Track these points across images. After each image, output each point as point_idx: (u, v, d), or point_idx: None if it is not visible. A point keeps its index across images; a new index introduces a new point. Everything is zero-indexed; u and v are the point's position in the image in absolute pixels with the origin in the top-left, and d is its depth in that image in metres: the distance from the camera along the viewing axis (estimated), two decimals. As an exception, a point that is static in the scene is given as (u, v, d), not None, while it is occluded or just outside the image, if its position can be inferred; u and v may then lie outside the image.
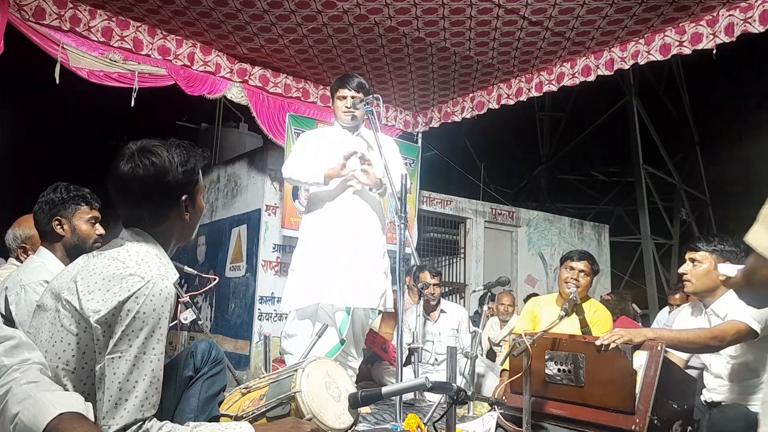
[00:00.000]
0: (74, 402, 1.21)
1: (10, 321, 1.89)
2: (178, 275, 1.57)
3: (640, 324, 5.55)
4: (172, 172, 1.47)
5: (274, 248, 6.10)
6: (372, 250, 3.27)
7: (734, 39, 4.07)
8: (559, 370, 2.56)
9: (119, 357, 1.30)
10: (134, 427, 1.29)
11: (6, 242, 3.20)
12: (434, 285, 4.34)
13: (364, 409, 2.97)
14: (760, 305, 1.48)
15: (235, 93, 5.21)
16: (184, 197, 1.51)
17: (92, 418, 1.23)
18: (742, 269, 1.43)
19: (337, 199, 3.25)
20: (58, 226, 2.29)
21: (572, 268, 3.36)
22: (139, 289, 1.32)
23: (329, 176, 3.15)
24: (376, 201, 3.39)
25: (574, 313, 2.85)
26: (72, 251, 2.25)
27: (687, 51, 4.35)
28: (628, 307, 4.68)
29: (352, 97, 3.28)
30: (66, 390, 1.32)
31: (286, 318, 3.36)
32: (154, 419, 1.34)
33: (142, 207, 1.49)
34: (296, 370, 1.77)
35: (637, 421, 2.28)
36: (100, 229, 2.36)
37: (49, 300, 1.43)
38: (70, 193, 2.32)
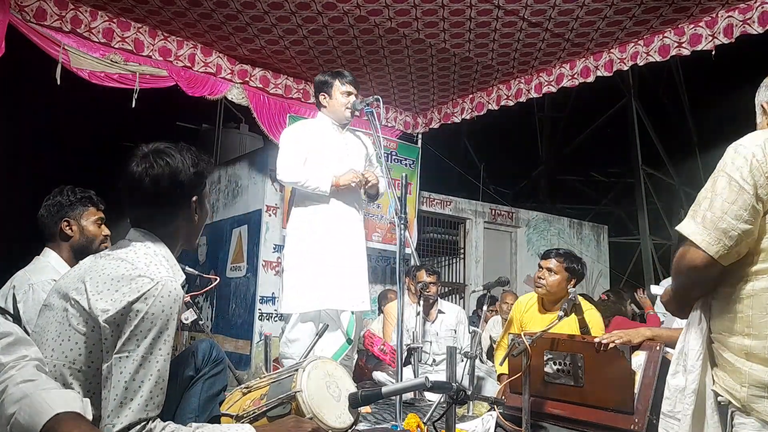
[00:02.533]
0: (71, 401, 1.21)
1: (17, 320, 1.90)
2: (184, 277, 1.59)
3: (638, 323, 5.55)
4: (185, 173, 1.51)
5: (274, 248, 6.11)
6: (362, 249, 3.29)
7: (733, 40, 4.08)
8: (558, 369, 2.57)
9: (126, 356, 1.31)
10: (138, 427, 1.30)
11: None
12: (431, 283, 4.34)
13: (365, 409, 2.98)
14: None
15: (236, 94, 5.21)
16: (194, 198, 1.55)
17: (90, 416, 1.23)
18: (668, 286, 1.60)
19: (331, 197, 3.22)
20: (67, 227, 2.34)
21: (540, 267, 3.33)
22: (149, 290, 1.34)
23: (337, 185, 3.12)
24: (360, 198, 3.38)
25: (573, 314, 2.85)
26: (79, 252, 2.31)
27: (686, 52, 4.36)
28: (624, 306, 4.62)
29: (355, 95, 3.29)
30: (69, 388, 1.33)
31: (285, 318, 3.33)
32: (158, 419, 1.35)
33: (153, 206, 1.52)
34: (297, 370, 1.78)
35: (636, 420, 2.29)
36: (105, 230, 2.42)
37: (55, 299, 1.43)
38: (77, 195, 2.38)
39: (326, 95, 3.32)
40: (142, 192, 1.50)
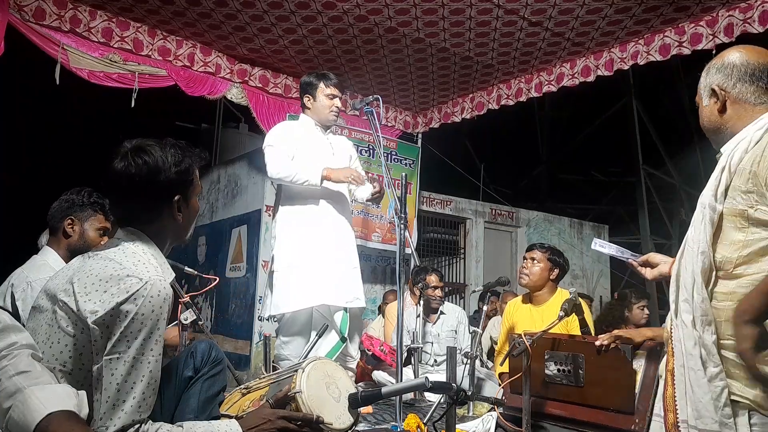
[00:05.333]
0: (65, 397, 1.19)
1: (16, 317, 1.89)
2: (174, 274, 1.57)
3: None
4: (165, 172, 1.47)
5: (274, 249, 6.10)
6: (352, 246, 3.27)
7: (734, 39, 4.07)
8: (558, 370, 2.56)
9: (117, 358, 1.30)
10: (131, 430, 1.29)
11: (39, 244, 3.21)
12: (439, 288, 4.34)
13: (366, 409, 2.97)
14: None
15: (235, 93, 5.21)
16: (176, 197, 1.51)
17: (86, 410, 1.22)
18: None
19: (318, 196, 3.19)
20: (70, 226, 2.35)
21: (524, 258, 3.52)
22: (138, 290, 1.32)
23: (327, 177, 3.08)
24: (346, 199, 3.35)
25: (573, 314, 2.85)
26: (74, 254, 2.30)
27: (687, 51, 4.35)
28: (630, 310, 4.35)
29: (340, 99, 3.26)
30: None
31: (279, 319, 3.29)
32: (150, 421, 1.34)
33: (134, 205, 1.50)
34: (296, 371, 1.77)
35: (637, 421, 2.28)
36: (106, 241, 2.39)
37: (45, 301, 1.42)
38: (90, 199, 2.38)
39: (310, 97, 3.26)
40: (122, 191, 1.48)
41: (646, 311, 4.26)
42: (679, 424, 1.51)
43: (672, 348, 1.55)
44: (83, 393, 1.25)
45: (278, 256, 3.17)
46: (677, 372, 1.52)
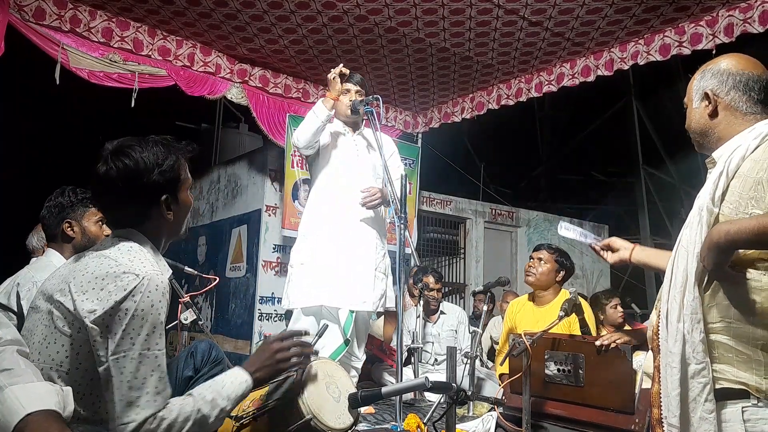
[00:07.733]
0: (45, 396, 1.17)
1: (21, 317, 1.89)
2: (171, 271, 1.57)
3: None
4: (147, 174, 1.44)
5: (274, 248, 6.10)
6: (373, 250, 3.27)
7: (734, 39, 4.08)
8: (558, 370, 2.56)
9: (124, 356, 1.30)
10: (149, 419, 1.30)
11: (29, 245, 3.23)
12: (437, 290, 4.34)
13: (367, 409, 2.97)
14: None
15: (235, 93, 5.21)
16: (164, 197, 1.49)
17: (71, 406, 1.21)
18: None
19: (338, 198, 3.25)
20: (69, 229, 2.35)
21: (531, 257, 3.54)
22: (135, 287, 1.32)
23: (330, 98, 3.12)
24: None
25: (573, 314, 2.85)
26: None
27: (687, 51, 4.35)
28: (605, 312, 4.40)
29: (356, 92, 3.29)
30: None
31: (285, 317, 3.35)
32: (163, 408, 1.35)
33: (121, 208, 1.49)
34: (296, 370, 1.77)
35: (637, 421, 2.29)
36: (107, 230, 2.40)
37: (41, 302, 1.41)
38: (78, 196, 2.38)
39: None
40: (107, 195, 1.48)
41: (620, 309, 4.26)
42: (662, 420, 1.53)
43: (658, 345, 1.57)
44: (68, 389, 1.24)
45: (293, 254, 3.32)
46: (662, 370, 1.53)
